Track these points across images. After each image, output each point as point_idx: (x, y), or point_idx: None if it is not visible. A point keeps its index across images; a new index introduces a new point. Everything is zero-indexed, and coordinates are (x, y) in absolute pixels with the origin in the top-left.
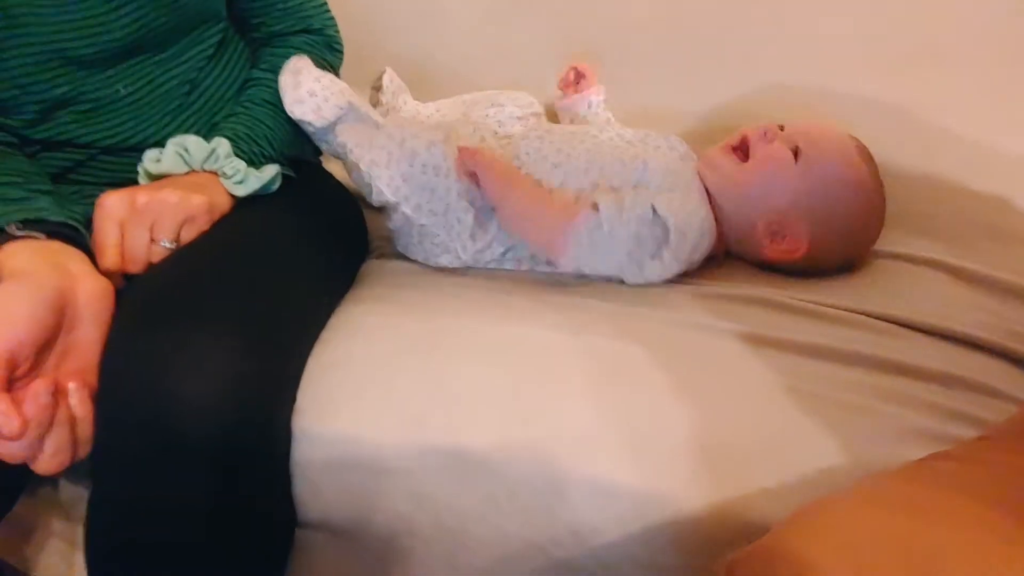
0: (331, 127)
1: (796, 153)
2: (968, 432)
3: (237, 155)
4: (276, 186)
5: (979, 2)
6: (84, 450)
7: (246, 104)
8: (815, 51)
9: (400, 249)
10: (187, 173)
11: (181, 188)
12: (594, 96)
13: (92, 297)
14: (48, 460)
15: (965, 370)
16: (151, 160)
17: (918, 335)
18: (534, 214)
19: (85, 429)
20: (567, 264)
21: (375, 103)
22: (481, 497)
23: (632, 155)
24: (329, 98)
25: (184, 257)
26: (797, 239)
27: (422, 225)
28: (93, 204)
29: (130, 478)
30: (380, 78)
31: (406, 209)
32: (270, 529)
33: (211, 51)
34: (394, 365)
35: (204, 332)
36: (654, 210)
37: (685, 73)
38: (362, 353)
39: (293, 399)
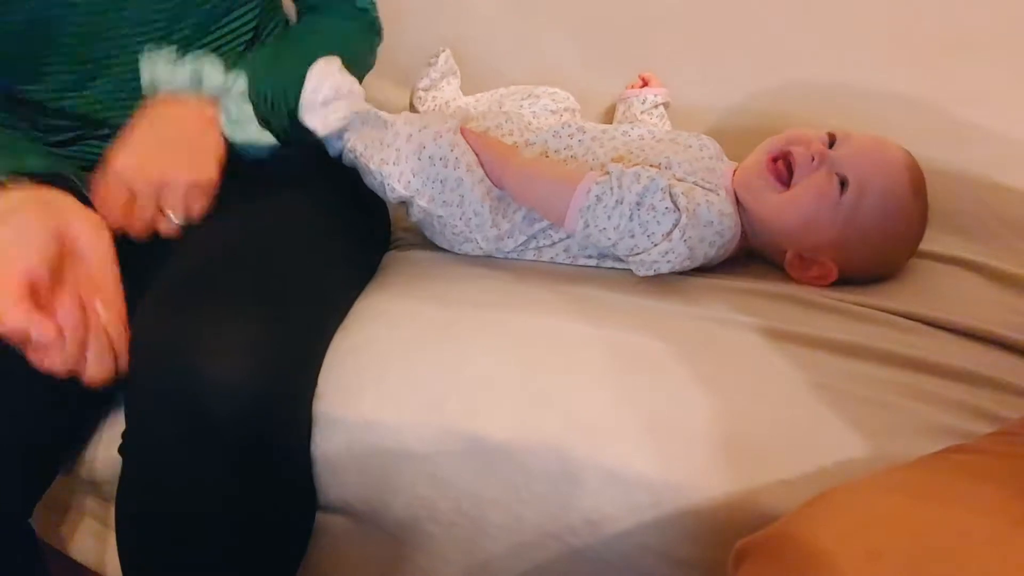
0: (338, 135)
1: (843, 183)
2: (991, 431)
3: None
4: (266, 151)
5: None
6: (124, 361)
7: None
8: (842, 44)
9: (428, 236)
10: (185, 93)
11: (186, 157)
12: (650, 94)
13: (85, 227)
14: (93, 368)
15: (990, 369)
16: (164, 64)
17: (943, 333)
18: (538, 177)
19: (120, 341)
20: (573, 223)
21: (423, 76)
22: (499, 483)
23: (657, 152)
24: (338, 109)
25: (209, 242)
26: (827, 268)
27: (440, 216)
28: (91, 166)
29: (157, 456)
30: (436, 56)
31: (421, 202)
32: (291, 510)
33: (248, 36)
34: (415, 351)
35: (229, 315)
36: (670, 189)
37: (711, 67)
38: (384, 339)
39: (315, 383)
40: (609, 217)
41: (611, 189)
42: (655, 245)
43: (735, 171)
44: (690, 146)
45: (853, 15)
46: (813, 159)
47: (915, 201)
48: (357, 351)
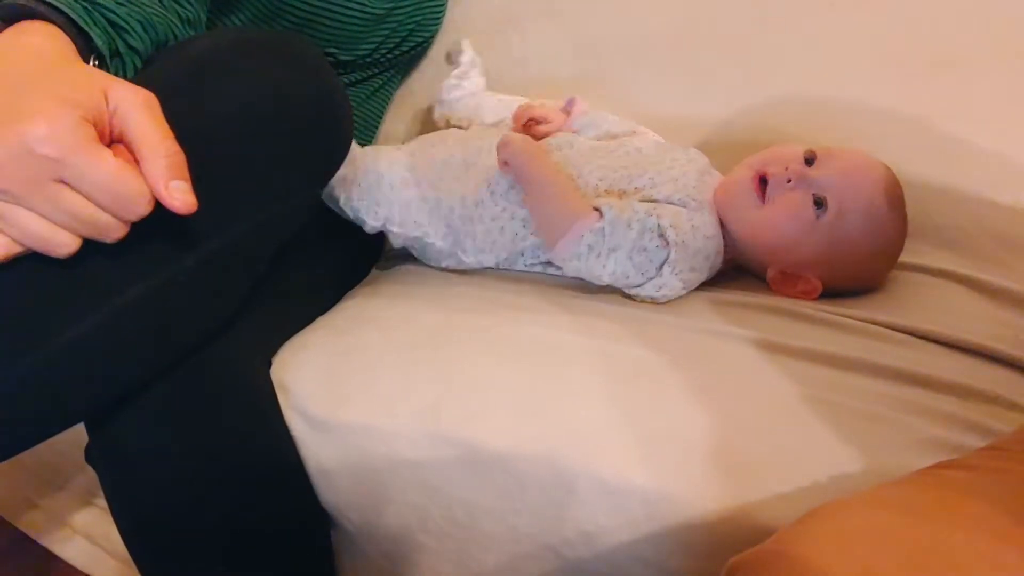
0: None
1: (820, 203)
2: (983, 443)
3: None
4: None
5: (999, 10)
6: None
7: None
8: (832, 60)
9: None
10: None
11: None
12: (576, 120)
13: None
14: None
15: (981, 382)
16: None
17: (934, 346)
18: (548, 202)
19: None
20: (562, 260)
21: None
22: (493, 492)
23: (642, 170)
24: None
25: None
26: (811, 283)
27: (430, 243)
28: None
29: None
30: (460, 47)
31: (433, 239)
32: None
33: None
34: (409, 356)
35: None
36: (658, 224)
37: (700, 82)
38: (377, 344)
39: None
40: (604, 265)
41: (604, 237)
42: (648, 279)
43: (717, 187)
44: (676, 159)
45: (844, 31)
46: (789, 180)
47: (893, 217)
48: (350, 355)
